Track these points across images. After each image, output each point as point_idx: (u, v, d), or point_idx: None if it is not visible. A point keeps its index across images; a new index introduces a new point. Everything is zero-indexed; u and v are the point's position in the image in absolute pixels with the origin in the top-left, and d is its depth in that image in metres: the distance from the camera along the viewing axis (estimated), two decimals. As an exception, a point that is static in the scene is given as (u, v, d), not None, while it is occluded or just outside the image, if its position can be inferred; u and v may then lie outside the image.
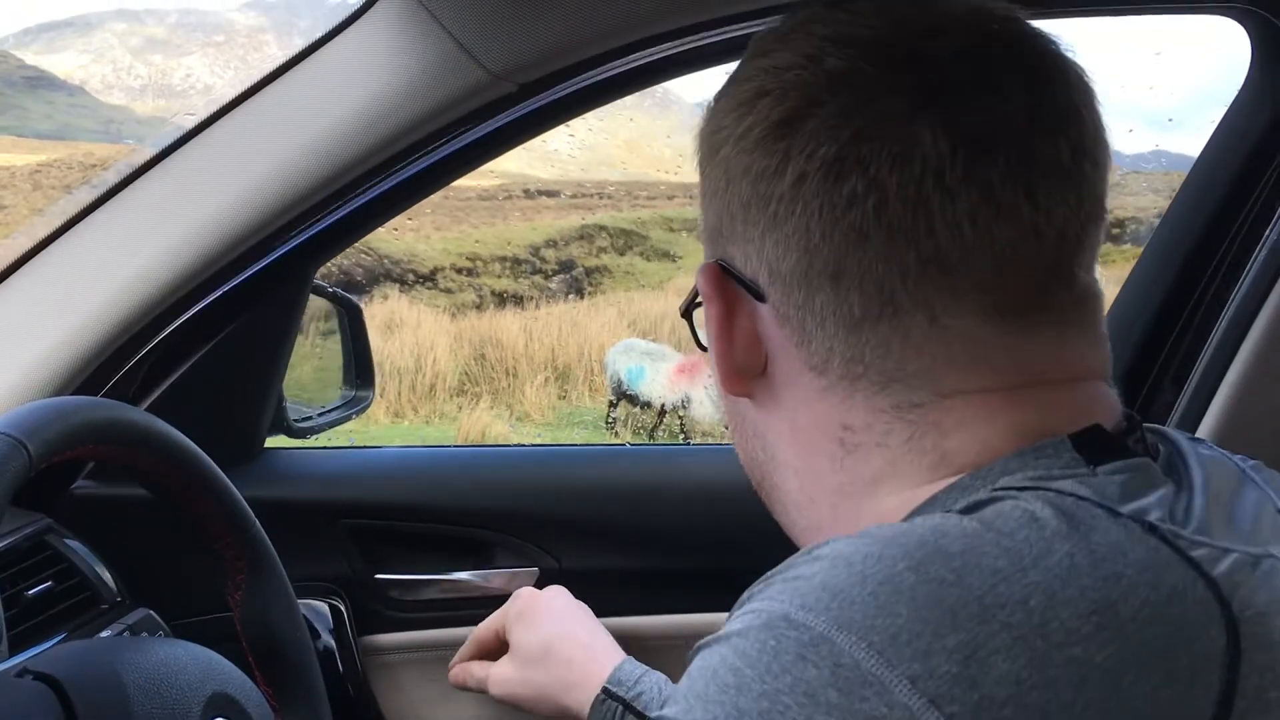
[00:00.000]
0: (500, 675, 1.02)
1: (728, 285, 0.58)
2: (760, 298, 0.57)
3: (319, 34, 0.99)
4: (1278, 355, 1.36)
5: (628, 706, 0.94)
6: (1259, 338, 1.38)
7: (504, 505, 1.24)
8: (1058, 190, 0.53)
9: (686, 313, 0.66)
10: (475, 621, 1.11)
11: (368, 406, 1.41)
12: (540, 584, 1.18)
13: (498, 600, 1.12)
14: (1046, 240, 0.53)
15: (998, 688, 0.40)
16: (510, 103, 0.98)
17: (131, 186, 1.03)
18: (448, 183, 1.13)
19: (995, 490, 0.49)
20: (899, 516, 0.52)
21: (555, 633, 1.02)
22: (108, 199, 1.04)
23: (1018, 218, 0.52)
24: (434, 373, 8.51)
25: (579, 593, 1.12)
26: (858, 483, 0.56)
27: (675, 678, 1.20)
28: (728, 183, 0.57)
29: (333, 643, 1.16)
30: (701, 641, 0.47)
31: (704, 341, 0.65)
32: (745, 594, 0.49)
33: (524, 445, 1.61)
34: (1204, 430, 1.38)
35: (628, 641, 1.07)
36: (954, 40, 0.54)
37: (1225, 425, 1.38)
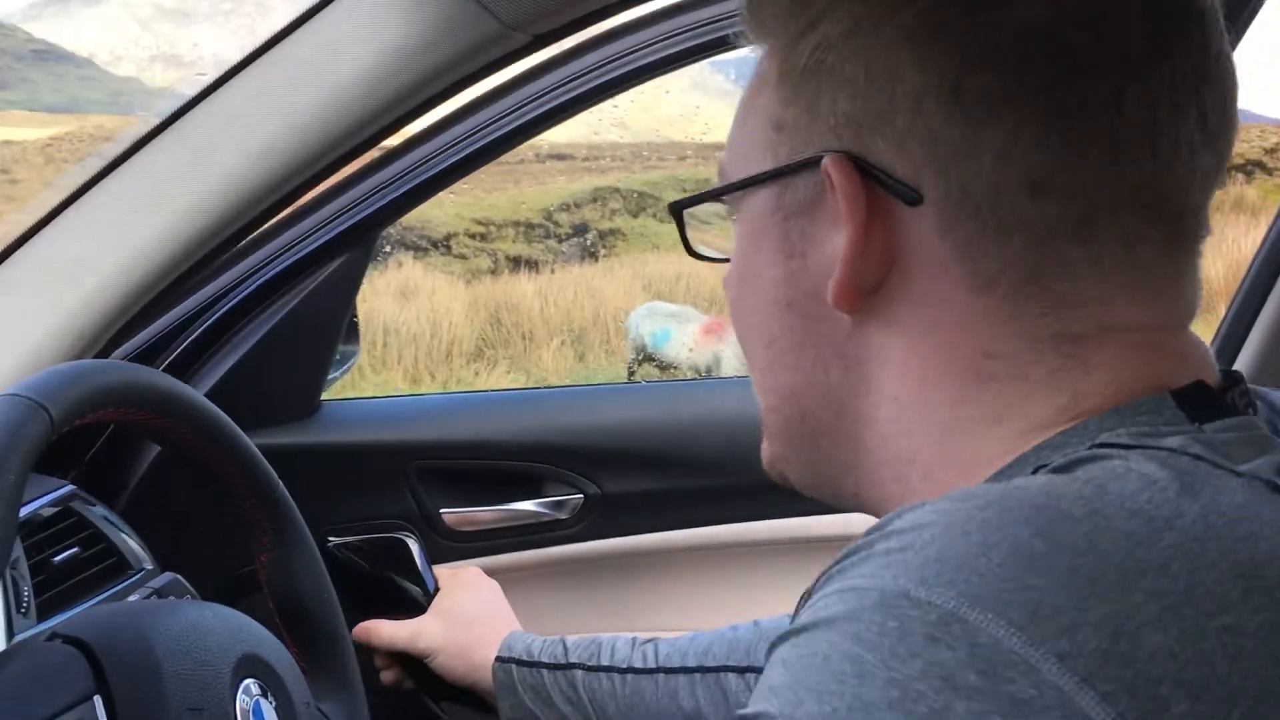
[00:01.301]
0: (428, 628, 1.14)
1: (868, 185, 0.50)
2: (914, 201, 0.49)
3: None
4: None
5: (517, 661, 1.07)
6: (1272, 313, 1.38)
7: (550, 440, 1.35)
8: (1234, 119, 0.51)
9: (680, 208, 0.61)
10: (529, 547, 1.34)
11: (353, 364, 1.44)
12: (584, 508, 1.35)
13: (547, 525, 1.33)
14: (1216, 176, 0.51)
15: (1151, 663, 0.37)
16: (524, 53, 0.96)
17: (144, 149, 1.03)
18: (500, 154, 1.25)
19: (1095, 448, 0.45)
20: (1005, 458, 0.49)
21: (487, 606, 1.17)
22: (121, 163, 1.03)
23: (1216, 148, 0.50)
24: (450, 338, 8.53)
25: (616, 513, 1.34)
26: (979, 419, 0.50)
27: (698, 581, 1.41)
28: (890, 69, 0.49)
29: (431, 573, 1.24)
30: (788, 630, 0.42)
31: (695, 245, 0.62)
32: (823, 574, 0.45)
33: (564, 386, 1.76)
34: (1239, 366, 1.38)
35: (661, 553, 1.35)
36: None
37: (1261, 360, 1.38)
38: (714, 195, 0.58)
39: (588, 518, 1.36)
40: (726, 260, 0.61)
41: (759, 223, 0.56)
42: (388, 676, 1.19)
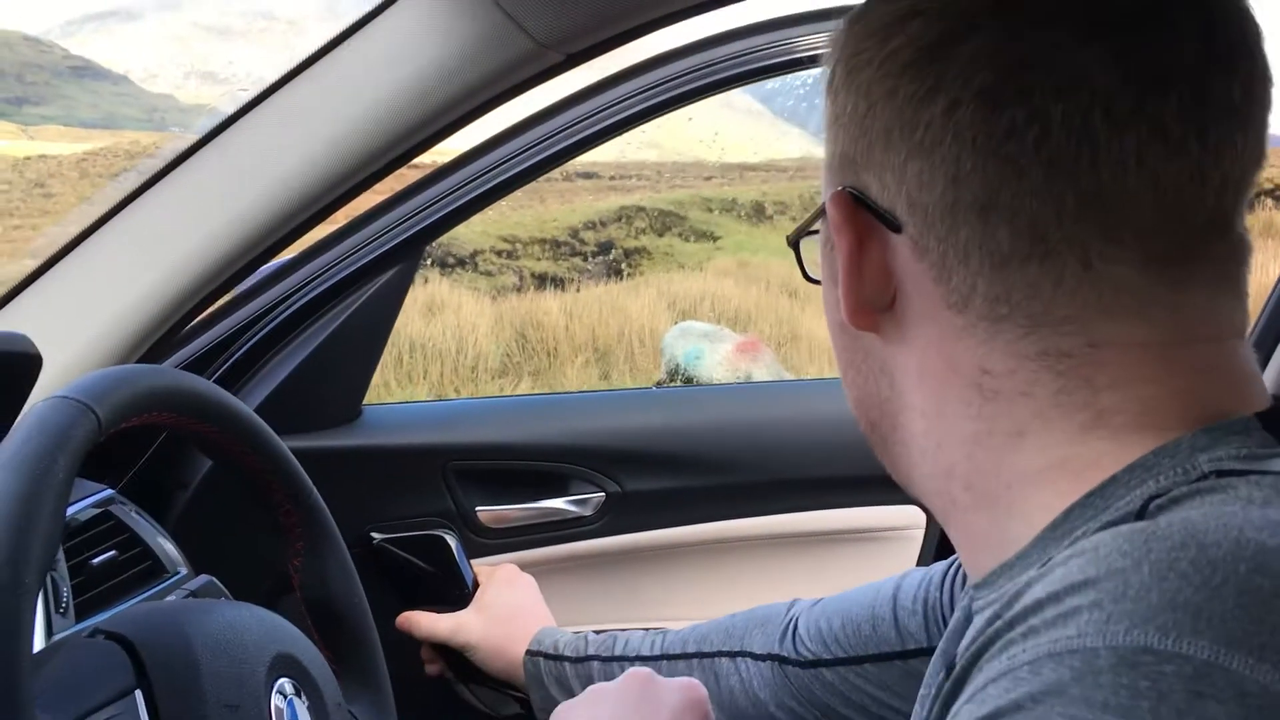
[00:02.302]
0: (467, 622, 1.19)
1: (860, 214, 0.55)
2: (896, 228, 0.53)
3: (366, 9, 1.01)
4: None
5: (545, 655, 1.11)
6: None
7: (574, 442, 1.44)
8: (1228, 131, 0.50)
9: (795, 241, 0.64)
10: (555, 542, 1.42)
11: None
12: (605, 505, 1.43)
13: (572, 522, 1.42)
14: (1211, 185, 0.49)
15: None
16: (557, 72, 0.98)
17: (186, 164, 1.05)
18: (540, 175, 1.34)
19: (1208, 475, 0.45)
20: (1055, 477, 0.50)
21: (522, 603, 1.21)
22: (163, 176, 1.06)
23: (1187, 159, 0.49)
24: (475, 354, 8.56)
25: (635, 510, 1.43)
26: (998, 433, 0.52)
27: (711, 572, 1.48)
28: (868, 107, 0.53)
29: (469, 567, 1.30)
30: (984, 717, 0.40)
31: (810, 272, 0.63)
32: (990, 637, 0.43)
33: (587, 391, 1.84)
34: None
35: (676, 547, 1.45)
36: None
37: None
38: (807, 225, 0.63)
39: (609, 514, 1.44)
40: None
41: (821, 251, 0.61)
42: (432, 669, 1.25)
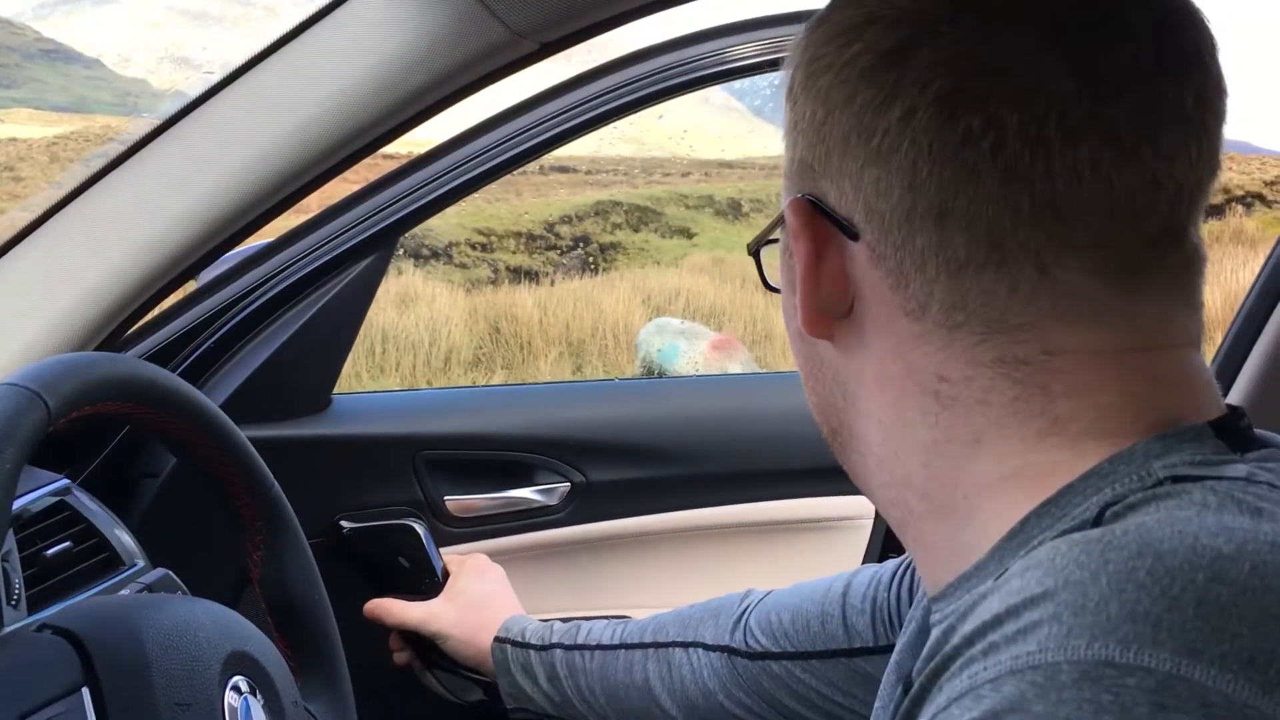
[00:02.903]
0: (439, 611, 1.20)
1: (817, 221, 0.55)
2: (854, 235, 0.53)
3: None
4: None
5: (511, 643, 1.12)
6: (1267, 345, 1.39)
7: (541, 433, 1.46)
8: (1181, 139, 0.50)
9: (756, 250, 0.64)
10: (522, 531, 1.44)
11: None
12: (571, 495, 1.46)
13: (538, 511, 1.45)
14: (1165, 192, 0.50)
15: None
16: (530, 61, 0.97)
17: (148, 148, 1.03)
18: (514, 169, 1.34)
19: (1163, 482, 0.46)
20: (1011, 487, 0.50)
21: (493, 592, 1.23)
22: (125, 159, 1.03)
23: (1140, 166, 0.49)
24: (448, 347, 8.53)
25: (600, 500, 1.46)
26: (955, 441, 0.52)
27: (673, 560, 1.52)
28: (826, 114, 0.53)
29: (439, 556, 1.32)
30: None
31: (771, 281, 0.63)
32: (948, 656, 0.43)
33: (555, 382, 1.87)
34: (1235, 395, 1.40)
35: (639, 535, 1.49)
36: None
37: (1256, 393, 1.40)
38: (767, 234, 0.64)
39: (574, 503, 1.47)
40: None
41: (780, 259, 0.61)
42: (400, 658, 1.26)
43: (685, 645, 1.02)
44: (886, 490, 0.57)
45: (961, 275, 0.50)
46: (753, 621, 0.97)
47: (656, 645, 1.04)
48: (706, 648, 1.00)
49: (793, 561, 1.48)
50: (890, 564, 0.90)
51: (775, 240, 0.62)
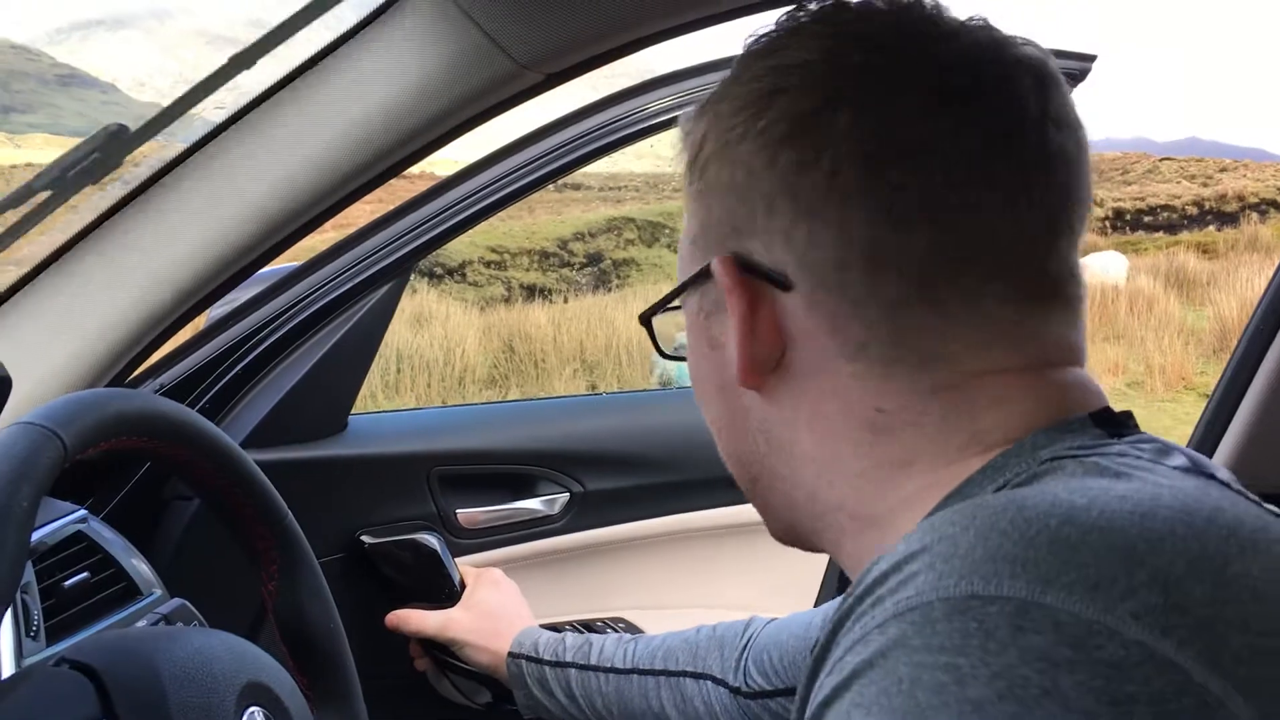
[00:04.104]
0: (457, 619, 1.27)
1: (747, 278, 0.58)
2: (786, 287, 0.57)
3: (347, 26, 1.00)
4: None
5: (526, 658, 1.19)
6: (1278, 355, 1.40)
7: (543, 446, 1.54)
8: (1070, 181, 0.56)
9: (649, 320, 0.68)
10: (526, 540, 1.51)
11: None
12: (570, 504, 1.54)
13: (540, 520, 1.52)
14: (1062, 230, 0.56)
15: (1202, 609, 0.41)
16: (537, 92, 0.98)
17: (162, 181, 1.04)
18: (529, 194, 1.39)
19: (1045, 462, 0.51)
20: (928, 494, 0.54)
21: (507, 602, 1.31)
22: (140, 194, 1.04)
23: (1043, 206, 0.55)
24: (463, 365, 8.55)
25: (597, 507, 1.54)
26: (885, 464, 0.57)
27: (666, 562, 1.60)
28: (748, 176, 0.57)
29: (454, 567, 1.37)
30: (840, 684, 0.43)
31: (668, 349, 0.68)
32: (843, 614, 0.47)
33: (555, 398, 1.92)
34: (1224, 447, 1.44)
35: (635, 540, 1.57)
36: (966, 42, 0.57)
37: (1245, 442, 1.42)
38: (666, 302, 0.67)
39: (573, 512, 1.54)
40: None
41: (691, 321, 0.64)
42: (420, 665, 1.34)
43: (696, 676, 1.05)
44: (817, 519, 0.61)
45: (897, 315, 0.55)
46: (750, 660, 1.01)
47: (668, 673, 1.08)
48: (716, 681, 1.03)
49: (778, 560, 1.51)
50: None
51: (675, 307, 0.66)
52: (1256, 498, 0.51)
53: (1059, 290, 0.57)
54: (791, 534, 0.65)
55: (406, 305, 9.08)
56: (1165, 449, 0.53)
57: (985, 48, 0.57)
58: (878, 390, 0.56)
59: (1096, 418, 0.55)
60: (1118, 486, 0.47)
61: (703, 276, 0.61)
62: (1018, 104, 0.55)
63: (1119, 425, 0.55)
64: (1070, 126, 0.57)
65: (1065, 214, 0.56)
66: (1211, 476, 0.51)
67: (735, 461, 0.66)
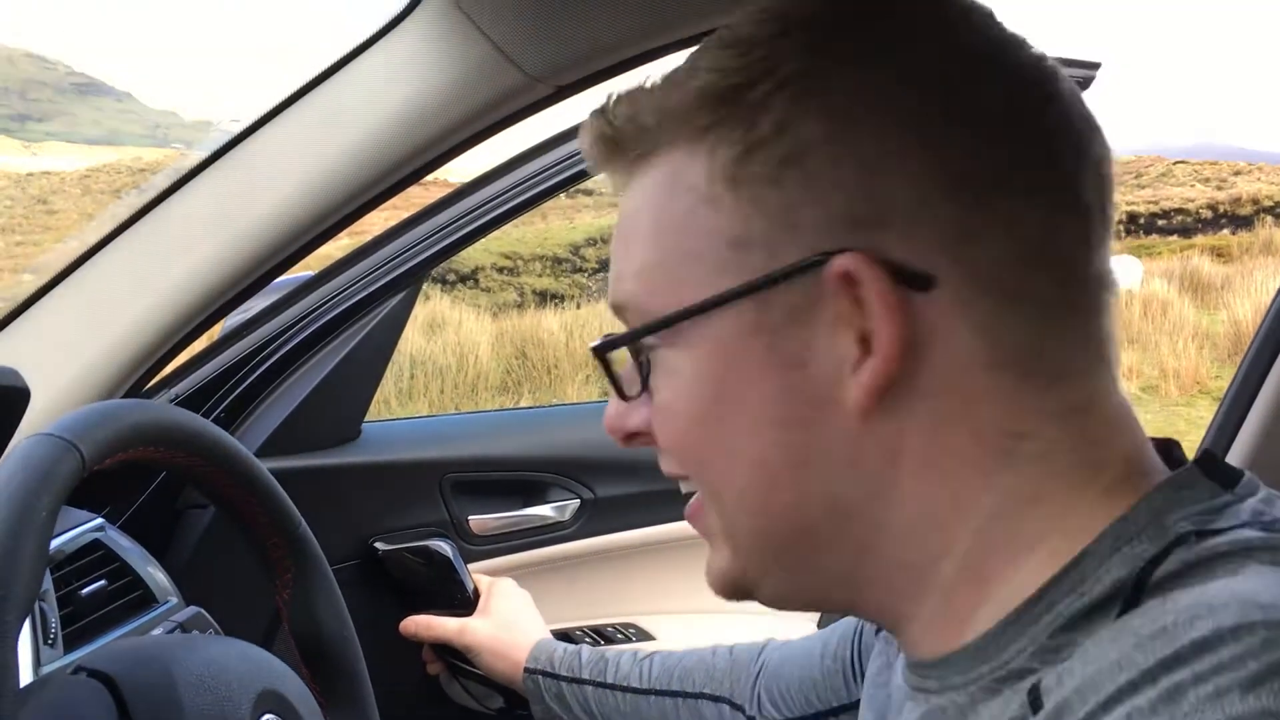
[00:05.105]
0: (474, 626, 1.27)
1: (886, 279, 0.49)
2: (925, 288, 0.49)
3: (359, 40, 1.01)
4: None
5: (543, 673, 1.18)
6: None
7: (554, 453, 1.56)
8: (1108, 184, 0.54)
9: (604, 350, 0.57)
10: (537, 546, 1.52)
11: None
12: (580, 510, 1.55)
13: (552, 526, 1.53)
14: (1106, 246, 0.53)
15: None
16: (547, 104, 0.98)
17: (179, 192, 1.05)
18: (539, 205, 1.40)
19: (1181, 534, 0.46)
20: (1048, 541, 0.49)
21: (522, 611, 1.31)
22: (156, 204, 1.06)
23: (1104, 224, 0.52)
24: (476, 371, 8.56)
25: (607, 513, 1.56)
26: (1018, 500, 0.50)
27: (675, 568, 1.59)
28: (890, 159, 0.49)
29: (467, 574, 1.38)
30: None
31: (628, 389, 0.57)
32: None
33: (565, 404, 1.95)
34: (1236, 449, 1.44)
35: (644, 546, 1.58)
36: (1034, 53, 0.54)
37: (1258, 444, 1.42)
38: (656, 329, 0.54)
39: (583, 518, 1.55)
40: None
41: (730, 345, 0.52)
42: (434, 668, 1.36)
43: (714, 699, 1.05)
44: (903, 571, 0.53)
45: (1045, 319, 0.50)
46: (762, 690, 1.00)
47: (685, 695, 1.07)
48: (734, 706, 1.03)
49: None
50: (852, 622, 0.91)
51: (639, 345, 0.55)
52: None
53: (1107, 296, 0.52)
54: (802, 596, 0.57)
55: (419, 311, 9.09)
56: (1274, 497, 0.50)
57: (1041, 59, 0.53)
58: (1014, 412, 0.49)
59: (1201, 465, 0.50)
60: None
61: (771, 283, 0.50)
62: (1079, 125, 0.52)
63: (1221, 473, 0.50)
64: (1103, 146, 0.53)
65: (1107, 230, 0.52)
66: None
67: (776, 513, 0.53)
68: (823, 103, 0.49)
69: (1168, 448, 0.54)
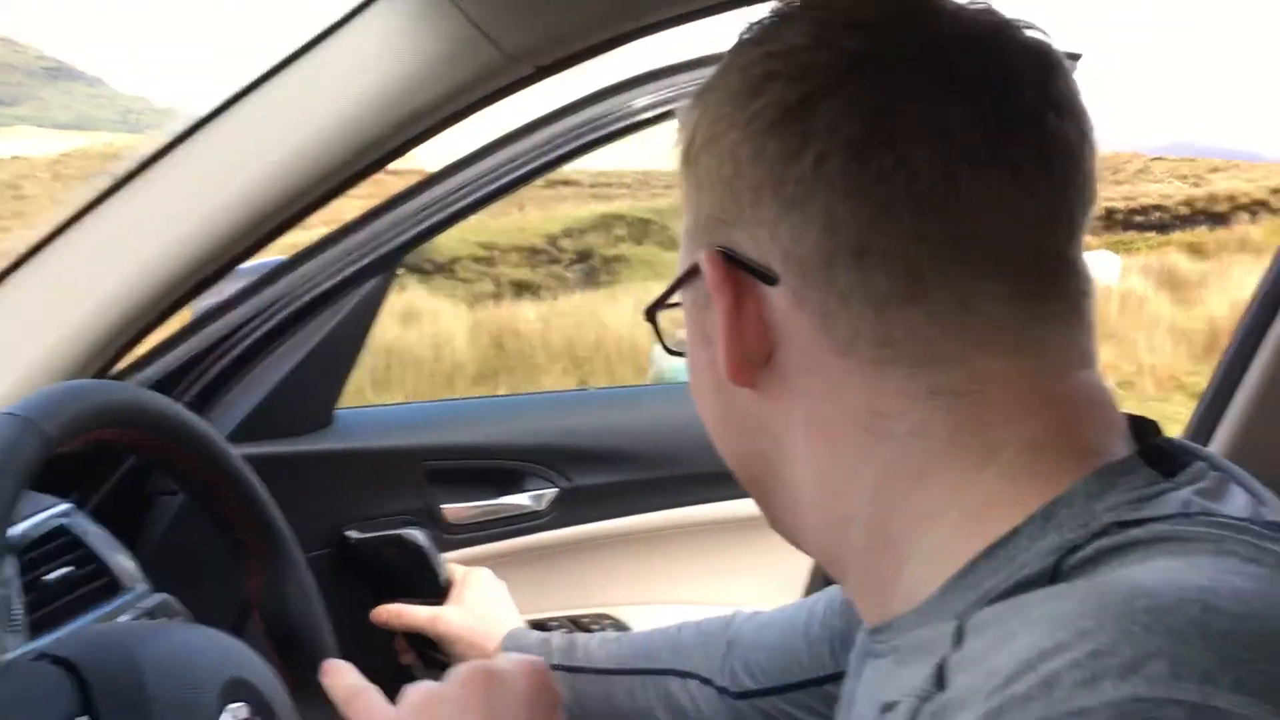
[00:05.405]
0: (448, 615, 1.26)
1: (734, 271, 0.56)
2: (772, 281, 0.55)
3: (335, 18, 0.99)
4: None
5: None
6: (1271, 349, 1.41)
7: (529, 441, 1.53)
8: (1070, 171, 0.54)
9: (652, 313, 0.65)
10: (513, 535, 1.50)
11: None
12: (557, 500, 1.53)
13: (528, 515, 1.51)
14: (1061, 223, 0.53)
15: None
16: (526, 84, 0.97)
17: (147, 172, 1.03)
18: (518, 189, 1.39)
19: (1113, 526, 0.47)
20: (949, 516, 0.52)
21: (497, 601, 1.30)
22: (125, 184, 1.04)
23: (1039, 198, 0.52)
24: (452, 362, 8.54)
25: (584, 503, 1.54)
26: (901, 473, 0.53)
27: (654, 558, 1.59)
28: (735, 168, 0.55)
29: (442, 563, 1.36)
30: None
31: (671, 344, 0.65)
32: (937, 702, 0.44)
33: (544, 392, 1.94)
34: (1216, 445, 1.45)
35: (621, 536, 1.57)
36: (965, 24, 0.54)
37: (1237, 439, 1.43)
38: (665, 298, 0.64)
39: (560, 508, 1.53)
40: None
41: (687, 318, 0.62)
42: (406, 659, 1.34)
43: (681, 675, 1.04)
44: (823, 530, 0.58)
45: (886, 310, 0.52)
46: (735, 658, 1.00)
47: (653, 672, 1.07)
48: (701, 680, 1.02)
49: (766, 555, 1.52)
50: (838, 591, 0.92)
51: (676, 304, 0.63)
52: None
53: (1060, 288, 0.54)
54: (797, 539, 0.62)
55: (396, 302, 9.05)
56: (1222, 482, 0.51)
57: (984, 31, 0.54)
58: (875, 392, 0.53)
59: (1144, 454, 0.51)
60: (1227, 563, 0.44)
61: (694, 272, 0.59)
62: (1016, 89, 0.53)
63: (1167, 460, 0.51)
64: (1073, 114, 0.54)
65: (1065, 206, 0.53)
66: (1276, 525, 0.48)
67: (735, 461, 0.63)
68: (704, 115, 0.58)
69: (1146, 428, 0.55)
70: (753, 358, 0.56)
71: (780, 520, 0.62)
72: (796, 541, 0.62)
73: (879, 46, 0.53)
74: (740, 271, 0.56)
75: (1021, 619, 0.44)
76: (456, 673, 0.68)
